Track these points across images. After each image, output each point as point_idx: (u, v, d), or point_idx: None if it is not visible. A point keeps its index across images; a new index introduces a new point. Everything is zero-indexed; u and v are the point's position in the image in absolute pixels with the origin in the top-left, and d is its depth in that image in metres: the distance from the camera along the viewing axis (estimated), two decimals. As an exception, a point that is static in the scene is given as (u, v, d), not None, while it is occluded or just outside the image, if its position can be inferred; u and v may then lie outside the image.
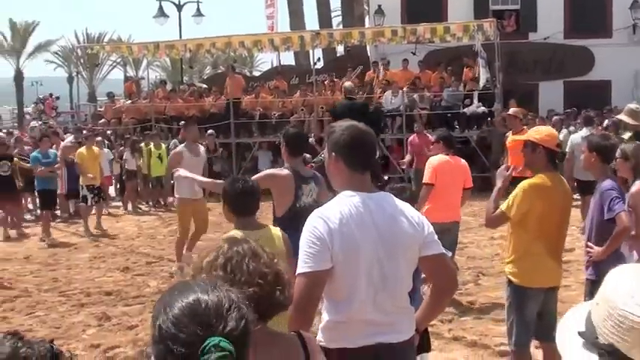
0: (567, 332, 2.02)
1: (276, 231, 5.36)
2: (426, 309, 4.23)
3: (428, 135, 15.81)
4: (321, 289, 3.80)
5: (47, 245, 15.30)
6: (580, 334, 1.95)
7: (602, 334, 1.86)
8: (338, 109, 14.87)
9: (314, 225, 3.82)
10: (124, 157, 20.42)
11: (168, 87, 29.90)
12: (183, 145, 12.41)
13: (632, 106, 12.38)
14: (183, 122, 17.13)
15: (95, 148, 17.13)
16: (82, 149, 16.74)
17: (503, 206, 6.21)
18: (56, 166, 16.97)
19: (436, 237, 4.07)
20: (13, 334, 1.82)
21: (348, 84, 16.67)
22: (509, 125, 13.74)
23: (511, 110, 14.56)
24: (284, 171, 7.09)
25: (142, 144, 20.58)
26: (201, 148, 12.83)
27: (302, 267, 3.74)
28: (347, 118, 10.27)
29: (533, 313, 6.38)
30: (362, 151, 4.08)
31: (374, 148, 4.29)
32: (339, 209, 3.88)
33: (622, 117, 12.16)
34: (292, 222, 6.09)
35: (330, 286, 3.81)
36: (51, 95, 33.45)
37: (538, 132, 6.36)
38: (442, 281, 4.18)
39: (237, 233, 5.01)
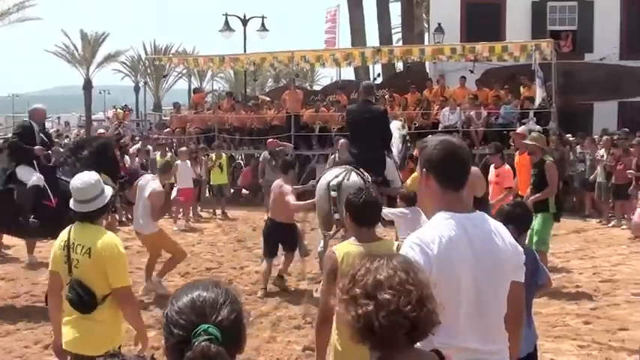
0: None
1: (393, 245, 5.36)
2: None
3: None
4: None
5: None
6: None
7: None
8: (349, 111, 13.24)
9: (411, 254, 3.56)
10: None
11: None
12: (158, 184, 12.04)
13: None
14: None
15: None
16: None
17: None
18: None
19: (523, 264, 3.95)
20: (113, 355, 2.09)
21: (366, 82, 14.41)
22: (516, 145, 13.92)
23: (519, 129, 14.57)
24: None
25: (208, 153, 21.52)
26: None
27: None
28: (357, 122, 11.50)
29: None
30: (455, 168, 3.84)
31: (469, 163, 3.97)
32: (436, 234, 3.67)
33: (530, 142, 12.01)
34: None
35: None
36: (126, 106, 35.13)
37: None
38: (516, 310, 3.99)
39: (351, 245, 5.24)
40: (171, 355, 2.40)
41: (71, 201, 5.64)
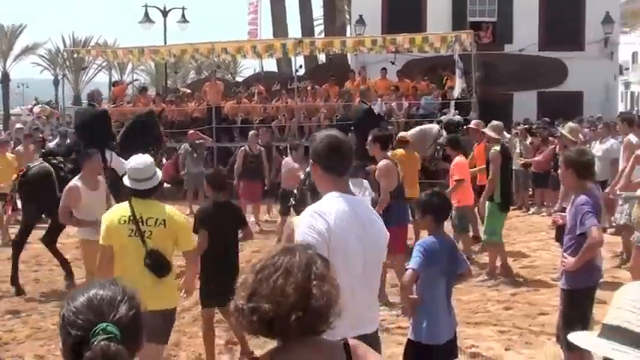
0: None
1: None
2: None
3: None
4: None
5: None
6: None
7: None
8: (354, 113, 19.73)
9: (312, 222, 4.12)
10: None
11: (152, 92, 30.39)
12: (78, 178, 10.09)
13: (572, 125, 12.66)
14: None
15: (9, 155, 16.89)
16: None
17: None
18: None
19: None
20: None
21: (362, 88, 19.49)
22: (471, 138, 14.08)
23: (472, 123, 14.77)
24: None
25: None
26: (101, 180, 10.53)
27: None
28: (365, 122, 15.14)
29: None
30: (336, 158, 4.36)
31: (350, 154, 4.48)
32: (333, 207, 4.19)
33: (487, 131, 12.28)
34: None
35: None
36: (50, 101, 34.50)
37: None
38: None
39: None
40: (69, 356, 2.34)
41: (125, 179, 6.41)
